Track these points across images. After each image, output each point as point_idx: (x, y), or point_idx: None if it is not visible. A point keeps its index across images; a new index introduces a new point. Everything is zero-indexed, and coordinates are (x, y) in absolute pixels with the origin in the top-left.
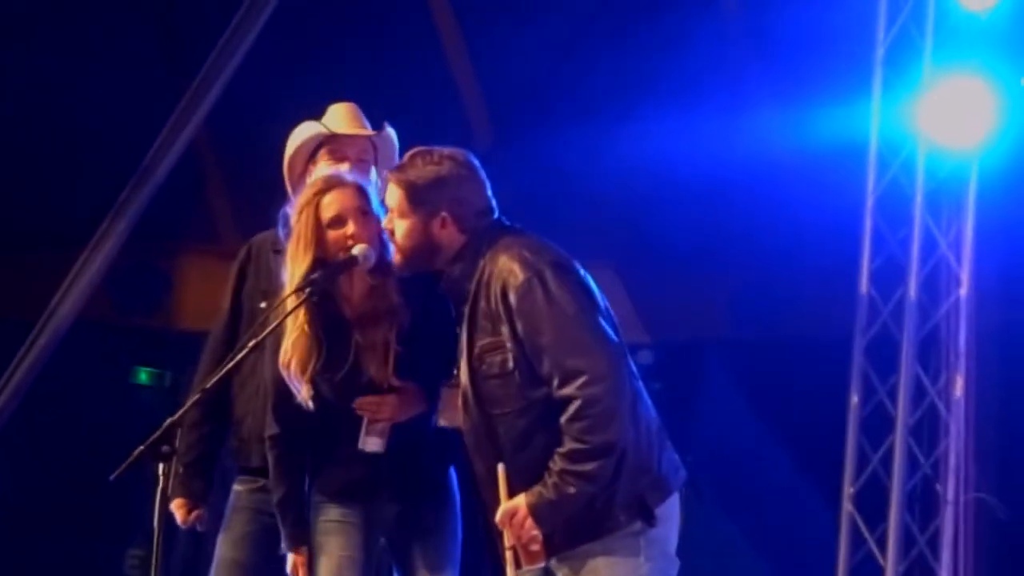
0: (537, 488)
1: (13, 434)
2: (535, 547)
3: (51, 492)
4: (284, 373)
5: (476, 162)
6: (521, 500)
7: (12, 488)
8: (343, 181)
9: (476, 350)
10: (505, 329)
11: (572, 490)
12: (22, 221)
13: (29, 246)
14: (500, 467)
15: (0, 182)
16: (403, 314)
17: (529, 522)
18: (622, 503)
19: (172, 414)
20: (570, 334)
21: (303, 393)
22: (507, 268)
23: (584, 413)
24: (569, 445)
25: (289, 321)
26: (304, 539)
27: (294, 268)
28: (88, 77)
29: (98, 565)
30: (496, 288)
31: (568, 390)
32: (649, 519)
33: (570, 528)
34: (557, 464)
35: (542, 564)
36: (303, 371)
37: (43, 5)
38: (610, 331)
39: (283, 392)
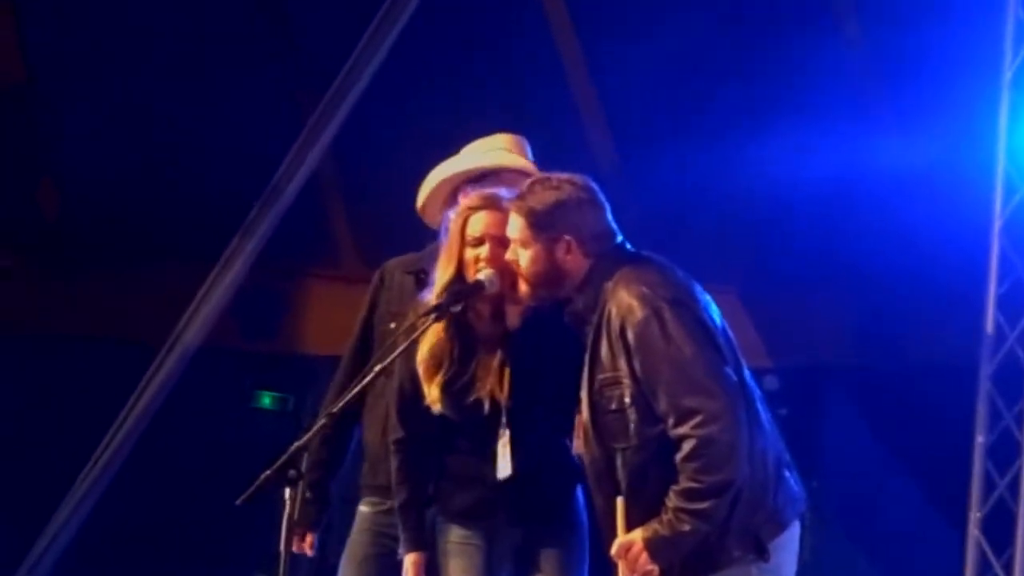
0: (653, 524)
1: (139, 458)
2: None
3: (176, 516)
4: (419, 369)
5: (595, 186)
6: (637, 535)
7: (138, 512)
8: (497, 204)
9: (596, 384)
10: (623, 364)
11: (687, 527)
12: (150, 238)
13: (156, 264)
14: (619, 500)
15: (130, 199)
16: (526, 342)
17: (644, 557)
18: (735, 538)
19: (293, 438)
20: (686, 373)
21: (431, 395)
22: (626, 304)
23: (699, 453)
24: (684, 484)
25: (431, 328)
26: (422, 544)
27: (439, 275)
28: (218, 96)
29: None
30: (616, 323)
31: (683, 429)
32: (762, 553)
33: (683, 563)
34: (673, 501)
35: None
36: (435, 373)
37: (173, 25)
38: (728, 369)
39: (410, 396)
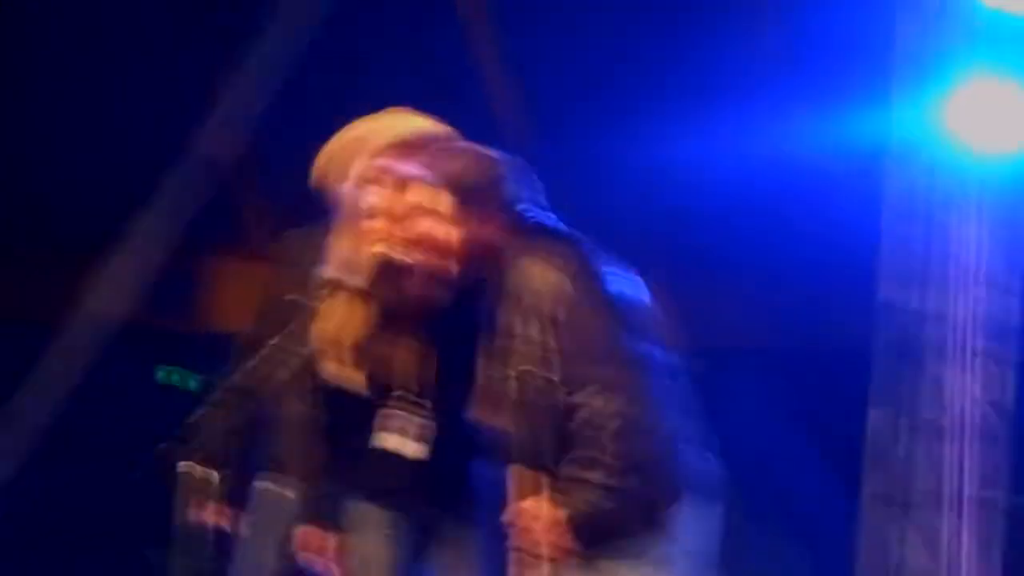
0: (549, 492)
1: (49, 442)
2: (541, 550)
3: (79, 490)
4: (322, 346)
5: (512, 159)
6: (531, 502)
7: (40, 487)
8: (394, 175)
9: (499, 353)
10: (529, 334)
11: (584, 495)
12: (52, 223)
13: (61, 245)
14: (514, 469)
15: (36, 184)
16: (438, 314)
17: (537, 524)
18: (634, 511)
19: (198, 414)
20: (592, 345)
21: (336, 371)
22: (537, 274)
23: (600, 423)
24: (582, 452)
25: (327, 303)
26: (319, 519)
27: (335, 248)
28: (124, 81)
29: (127, 564)
30: (524, 294)
31: (585, 399)
32: (664, 526)
33: (581, 534)
34: (569, 471)
35: (546, 568)
36: (339, 347)
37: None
38: (635, 342)
39: (313, 372)
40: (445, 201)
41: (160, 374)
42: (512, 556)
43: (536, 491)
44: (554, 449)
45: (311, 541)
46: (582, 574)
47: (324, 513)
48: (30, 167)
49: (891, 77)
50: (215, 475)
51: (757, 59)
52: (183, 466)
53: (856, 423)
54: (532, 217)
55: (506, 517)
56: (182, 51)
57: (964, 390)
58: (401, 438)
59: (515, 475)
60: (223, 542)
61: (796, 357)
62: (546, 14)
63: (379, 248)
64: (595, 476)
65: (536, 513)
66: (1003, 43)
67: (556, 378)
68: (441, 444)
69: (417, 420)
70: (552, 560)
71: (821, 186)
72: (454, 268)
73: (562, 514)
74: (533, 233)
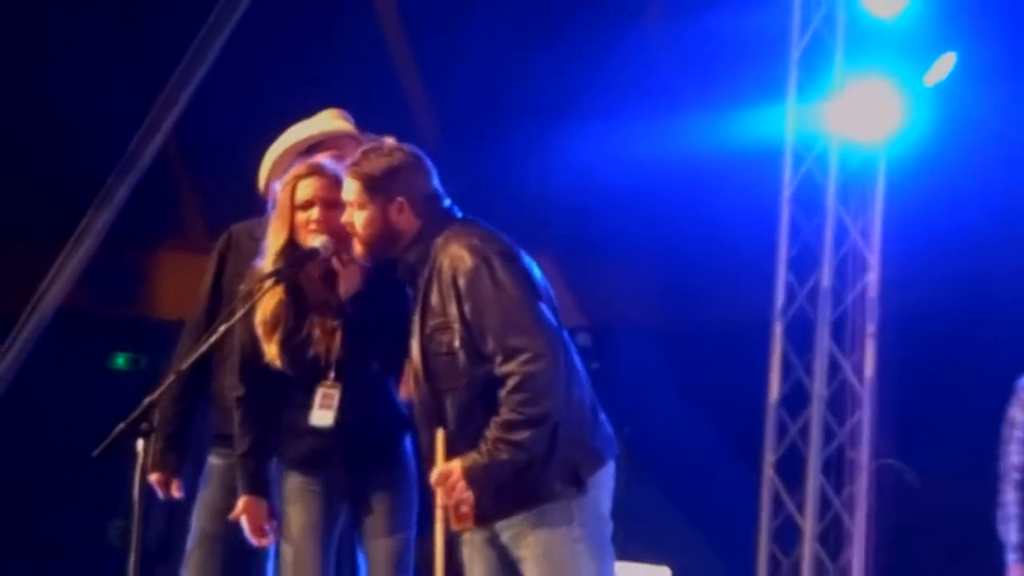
0: (472, 454)
1: (5, 422)
2: (465, 509)
3: (37, 471)
4: (258, 331)
5: (422, 153)
6: (456, 463)
7: (17, 470)
8: (322, 170)
9: (427, 330)
10: (454, 310)
11: (504, 456)
12: (3, 216)
13: (9, 239)
14: (439, 433)
15: None
16: (358, 299)
17: (461, 484)
18: (557, 473)
19: (149, 395)
20: (513, 316)
21: (270, 353)
22: (457, 255)
23: (521, 387)
24: (505, 415)
25: (269, 291)
26: (256, 489)
27: (271, 242)
28: (65, 81)
29: (85, 537)
30: (447, 273)
31: (509, 366)
32: (582, 487)
33: (505, 496)
34: (492, 432)
35: (471, 528)
36: (273, 332)
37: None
38: (550, 315)
39: (250, 356)
40: (359, 191)
41: (110, 359)
42: (437, 514)
43: (451, 451)
44: (484, 413)
45: (251, 510)
46: (505, 532)
47: (261, 484)
48: None
49: (782, 81)
50: (169, 451)
51: (655, 68)
52: (139, 443)
53: (750, 392)
54: (444, 207)
55: (431, 479)
56: (124, 59)
57: (853, 363)
58: (325, 412)
59: (438, 440)
60: (174, 510)
61: (691, 333)
62: (451, 17)
63: (317, 239)
64: (497, 432)
65: (448, 473)
66: (876, 47)
67: (484, 349)
68: (363, 417)
69: (338, 396)
70: (461, 516)
71: (714, 180)
72: (376, 253)
73: (458, 465)
74: (446, 220)
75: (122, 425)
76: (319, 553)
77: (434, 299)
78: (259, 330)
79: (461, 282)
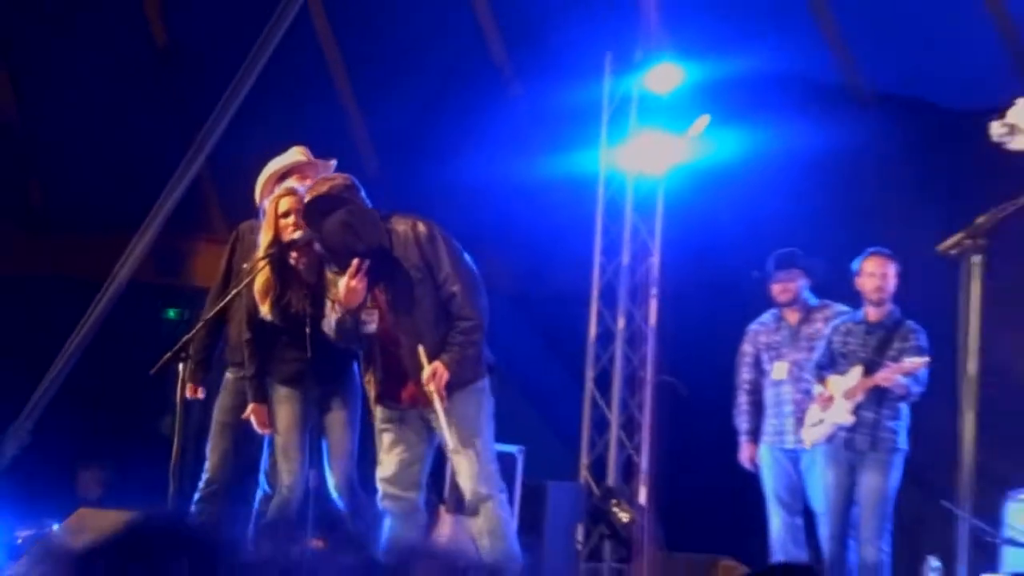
0: (447, 355)
1: (94, 354)
2: (444, 389)
3: (118, 385)
4: (256, 296)
5: (354, 177)
6: (439, 363)
7: (91, 382)
8: (295, 191)
9: (401, 278)
10: (417, 260)
11: (470, 351)
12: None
13: (94, 231)
14: (420, 348)
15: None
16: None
17: (446, 373)
18: (484, 361)
19: (186, 335)
20: (463, 261)
21: (264, 310)
22: (410, 224)
23: (466, 304)
24: (465, 325)
25: (262, 269)
26: (262, 398)
27: (262, 239)
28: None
29: (144, 429)
30: (409, 237)
31: (460, 292)
32: (492, 372)
33: (460, 377)
34: (457, 338)
35: (441, 398)
36: (265, 296)
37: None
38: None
39: (252, 312)
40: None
41: (164, 312)
42: (433, 395)
43: (431, 357)
44: (441, 325)
45: (257, 411)
46: (456, 397)
47: (263, 395)
48: (82, 174)
49: (597, 133)
50: (197, 370)
51: (516, 122)
52: (180, 366)
53: (577, 334)
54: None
55: (424, 376)
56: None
57: (642, 315)
58: (306, 344)
59: (421, 352)
60: (205, 409)
61: (539, 299)
62: (389, 61)
63: (300, 234)
64: (461, 338)
65: (436, 368)
66: (656, 112)
67: (436, 279)
68: (325, 349)
69: (310, 333)
70: (441, 392)
71: (556, 197)
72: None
73: (442, 362)
74: (392, 214)
75: (169, 354)
76: (299, 440)
77: (401, 257)
78: (256, 295)
79: (423, 241)
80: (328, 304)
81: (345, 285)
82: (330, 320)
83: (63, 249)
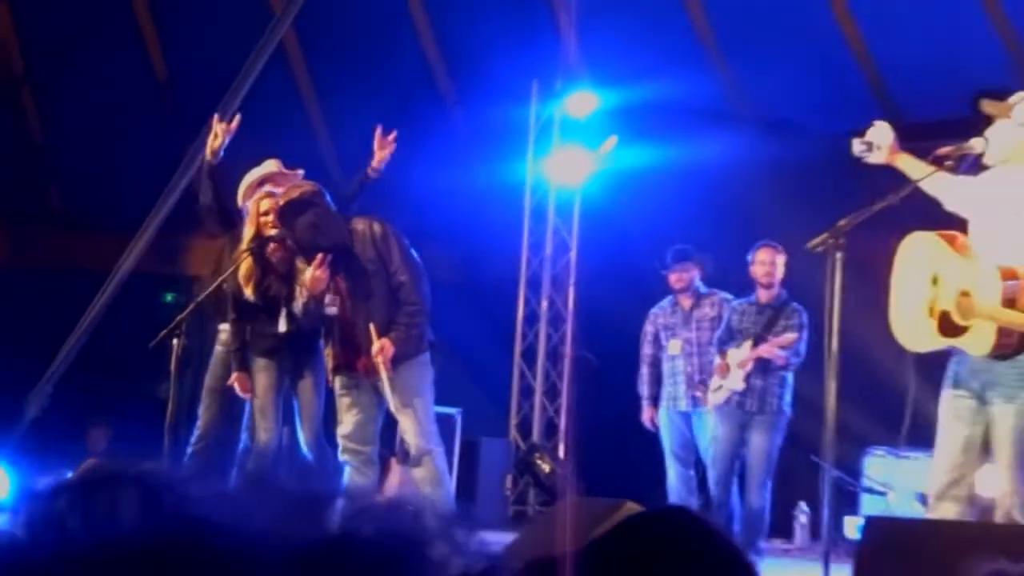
0: (394, 334)
1: (103, 331)
2: (390, 362)
3: (123, 358)
4: (240, 281)
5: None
6: (386, 340)
7: (100, 354)
8: (273, 194)
9: (358, 270)
10: (373, 254)
11: (413, 331)
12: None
13: (101, 229)
14: (372, 327)
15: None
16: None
17: (392, 349)
18: (426, 341)
19: (179, 315)
20: (409, 258)
21: (247, 293)
22: (369, 225)
23: (412, 292)
24: (410, 309)
25: (245, 260)
26: (243, 368)
27: (246, 234)
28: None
29: (146, 394)
30: (367, 235)
31: (407, 281)
32: (432, 347)
33: (405, 352)
34: (403, 320)
35: (387, 369)
36: (248, 281)
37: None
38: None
39: (237, 295)
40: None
41: (166, 296)
42: (381, 366)
43: (382, 334)
44: (390, 309)
45: (239, 379)
46: (401, 370)
47: (245, 365)
48: (93, 181)
49: (525, 148)
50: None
51: (457, 137)
52: (174, 341)
53: (509, 316)
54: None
55: (373, 351)
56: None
57: (562, 300)
58: (280, 322)
59: (372, 329)
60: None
61: (475, 285)
62: (360, 79)
63: (273, 231)
64: (406, 319)
65: (384, 344)
66: (575, 131)
67: (388, 271)
68: (296, 327)
69: (285, 313)
70: (387, 364)
71: (491, 202)
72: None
73: (389, 341)
74: (353, 215)
75: (165, 331)
76: (274, 403)
77: (358, 250)
78: (240, 280)
79: (378, 239)
80: (297, 289)
81: (311, 274)
82: (298, 303)
83: (77, 244)
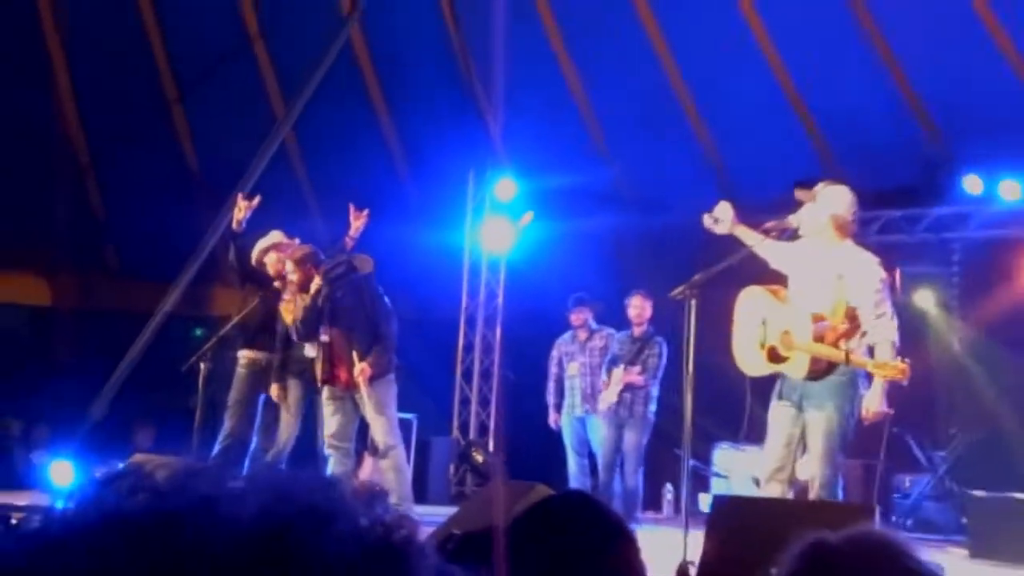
0: (370, 358)
1: (148, 358)
2: (367, 380)
3: (160, 379)
4: (287, 318)
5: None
6: (364, 363)
7: (145, 375)
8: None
9: (339, 304)
10: (357, 300)
11: (384, 357)
12: (147, 267)
13: (145, 279)
14: (354, 353)
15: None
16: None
17: (369, 370)
18: (392, 364)
19: (206, 344)
20: (383, 302)
21: (291, 326)
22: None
23: (388, 330)
24: (383, 341)
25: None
26: (280, 381)
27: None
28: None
29: (180, 405)
30: (352, 284)
31: (382, 323)
32: (396, 369)
33: (377, 372)
34: (377, 348)
35: (365, 384)
36: (291, 319)
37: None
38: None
39: (286, 330)
40: (297, 263)
41: (196, 331)
42: (361, 384)
43: (361, 359)
44: (367, 340)
45: (278, 390)
46: (374, 386)
47: (282, 379)
48: (140, 244)
49: (464, 218)
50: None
51: (406, 195)
52: (201, 365)
53: (452, 344)
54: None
55: (355, 372)
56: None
57: (492, 334)
58: (308, 348)
59: (355, 355)
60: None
61: (426, 322)
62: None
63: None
64: (380, 348)
65: (362, 367)
66: (501, 208)
67: (367, 311)
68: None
69: (314, 345)
70: (365, 382)
71: (439, 259)
72: (303, 284)
73: (368, 363)
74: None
75: (194, 357)
76: (301, 411)
77: (345, 296)
78: (286, 318)
79: (360, 286)
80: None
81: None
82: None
83: (127, 291)
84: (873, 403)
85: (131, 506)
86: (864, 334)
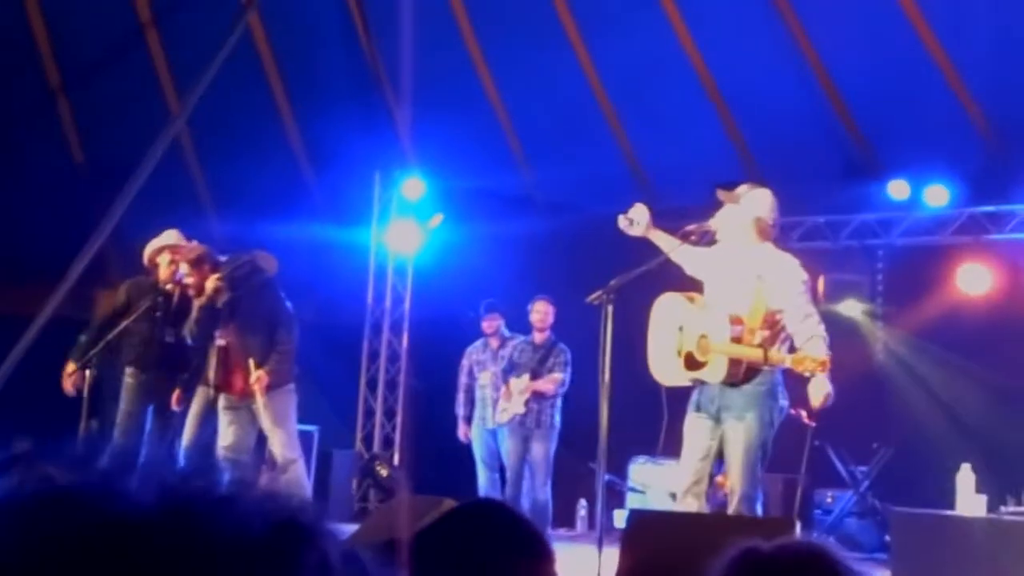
0: (267, 366)
1: (31, 359)
2: (264, 389)
3: (38, 396)
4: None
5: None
6: (262, 371)
7: (29, 373)
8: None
9: (243, 313)
10: (257, 303)
11: (283, 366)
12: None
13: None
14: (251, 360)
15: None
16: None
17: (266, 378)
18: (292, 374)
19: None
20: (284, 308)
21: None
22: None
23: (289, 337)
24: (282, 349)
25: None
26: (186, 388)
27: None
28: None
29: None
30: (253, 287)
31: (282, 329)
32: (297, 380)
33: (275, 382)
34: (275, 356)
35: (263, 394)
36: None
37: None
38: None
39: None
40: (193, 264)
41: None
42: (258, 392)
43: (258, 367)
44: (266, 347)
45: (179, 396)
46: (272, 396)
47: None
48: (24, 242)
49: (370, 219)
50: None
51: (315, 212)
52: (88, 373)
53: (355, 352)
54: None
55: (251, 380)
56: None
57: (399, 341)
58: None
59: (251, 362)
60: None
61: (330, 327)
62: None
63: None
64: (278, 356)
65: (259, 376)
66: (409, 208)
67: (267, 316)
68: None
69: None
70: (261, 391)
71: (338, 261)
72: (199, 287)
73: (264, 372)
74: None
75: (79, 365)
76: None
77: (246, 300)
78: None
79: (260, 289)
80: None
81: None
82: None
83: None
84: (821, 389)
85: (24, 486)
86: (785, 340)
